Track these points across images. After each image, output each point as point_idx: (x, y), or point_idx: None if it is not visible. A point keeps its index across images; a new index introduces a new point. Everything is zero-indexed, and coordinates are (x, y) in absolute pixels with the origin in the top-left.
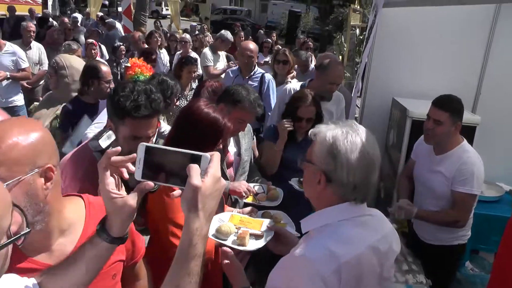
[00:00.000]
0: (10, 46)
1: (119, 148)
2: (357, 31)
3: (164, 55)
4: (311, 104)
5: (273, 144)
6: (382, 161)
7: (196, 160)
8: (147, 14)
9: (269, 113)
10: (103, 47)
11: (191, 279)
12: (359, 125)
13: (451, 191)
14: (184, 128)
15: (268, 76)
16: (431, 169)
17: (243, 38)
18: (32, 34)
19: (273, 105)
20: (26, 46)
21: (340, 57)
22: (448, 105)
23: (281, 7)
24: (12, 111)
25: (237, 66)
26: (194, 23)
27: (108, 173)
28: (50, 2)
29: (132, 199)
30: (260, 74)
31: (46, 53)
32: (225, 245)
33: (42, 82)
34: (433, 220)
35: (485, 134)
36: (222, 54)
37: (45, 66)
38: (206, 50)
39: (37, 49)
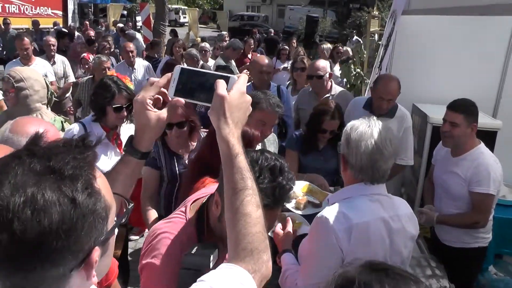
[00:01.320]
0: (40, 61)
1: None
2: (376, 36)
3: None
4: (335, 117)
5: (294, 153)
6: None
7: (225, 80)
8: (166, 24)
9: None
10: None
11: (242, 175)
12: (378, 121)
13: (469, 192)
14: (214, 145)
15: (284, 88)
16: (448, 170)
17: (253, 46)
18: (52, 47)
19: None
20: (49, 60)
21: (360, 64)
22: (462, 107)
23: (298, 12)
24: None
25: (250, 82)
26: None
27: (154, 88)
28: (70, 14)
29: (164, 113)
30: (275, 87)
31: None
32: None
33: (68, 94)
34: (453, 223)
35: (506, 138)
36: (234, 63)
37: (71, 79)
38: (218, 60)
39: (61, 63)
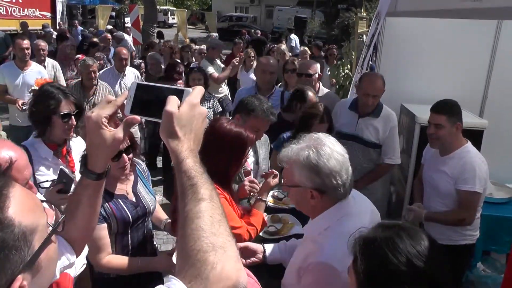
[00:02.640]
0: (35, 66)
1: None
2: (364, 37)
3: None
4: (324, 121)
5: None
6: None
7: (179, 94)
8: (156, 25)
9: None
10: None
11: (189, 174)
12: (319, 134)
13: (456, 190)
14: (210, 146)
15: (288, 94)
16: (436, 169)
17: (243, 46)
18: (42, 52)
19: None
20: (40, 65)
21: (349, 65)
22: (444, 108)
23: (287, 12)
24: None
25: (253, 84)
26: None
27: (110, 106)
28: (58, 16)
29: (119, 133)
30: (279, 92)
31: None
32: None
33: None
34: (441, 220)
35: (492, 137)
36: (218, 61)
37: (61, 83)
38: (203, 62)
39: (52, 67)
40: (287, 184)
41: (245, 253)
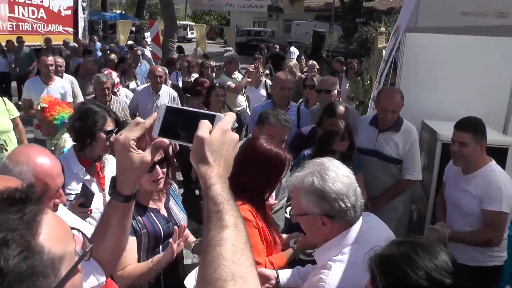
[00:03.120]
0: (59, 81)
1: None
2: (383, 52)
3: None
4: (345, 138)
5: None
6: None
7: (211, 119)
8: (175, 40)
9: None
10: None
11: (215, 200)
12: (322, 159)
13: (481, 210)
14: (247, 165)
15: (303, 108)
16: (460, 188)
17: (262, 61)
18: (59, 68)
19: None
20: None
21: (369, 81)
22: (469, 126)
23: (305, 27)
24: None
25: (269, 100)
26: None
27: (138, 129)
28: (80, 31)
29: (147, 156)
30: (295, 107)
31: (81, 84)
32: None
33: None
34: (466, 241)
35: None
36: (238, 75)
37: (79, 99)
38: (222, 77)
39: (70, 82)
40: (296, 213)
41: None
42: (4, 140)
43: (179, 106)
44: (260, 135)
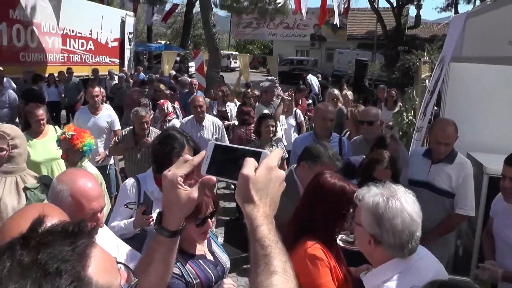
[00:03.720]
0: (106, 110)
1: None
2: (427, 82)
3: (230, 108)
4: (387, 167)
5: None
6: None
7: (257, 155)
8: (219, 70)
9: None
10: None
11: (263, 243)
12: (399, 186)
13: None
14: (313, 201)
15: (345, 139)
16: (510, 224)
17: (307, 93)
18: (97, 98)
19: None
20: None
21: (412, 111)
22: None
23: (347, 55)
24: (102, 168)
25: (310, 132)
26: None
27: (187, 166)
28: (126, 62)
29: (195, 192)
30: (337, 138)
31: (126, 114)
32: None
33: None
34: None
35: None
36: (275, 104)
37: (116, 127)
38: (258, 107)
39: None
40: (355, 220)
41: None
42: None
43: (227, 142)
44: (325, 171)
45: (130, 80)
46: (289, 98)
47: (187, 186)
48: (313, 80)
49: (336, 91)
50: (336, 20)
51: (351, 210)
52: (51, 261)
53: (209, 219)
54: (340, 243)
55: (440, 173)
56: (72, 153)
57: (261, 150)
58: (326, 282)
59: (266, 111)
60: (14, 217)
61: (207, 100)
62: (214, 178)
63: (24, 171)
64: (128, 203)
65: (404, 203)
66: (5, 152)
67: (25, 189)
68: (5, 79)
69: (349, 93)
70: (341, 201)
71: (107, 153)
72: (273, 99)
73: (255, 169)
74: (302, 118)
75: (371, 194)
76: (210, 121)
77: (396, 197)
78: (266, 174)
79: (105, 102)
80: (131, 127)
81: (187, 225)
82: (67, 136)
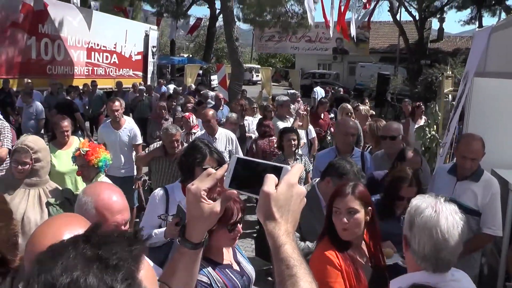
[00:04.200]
0: (128, 123)
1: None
2: (450, 97)
3: (248, 122)
4: (412, 184)
5: None
6: None
7: (278, 171)
8: (242, 83)
9: None
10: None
11: (287, 263)
12: (447, 202)
13: None
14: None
15: (367, 154)
16: None
17: (328, 105)
18: (117, 113)
19: None
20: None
21: (435, 126)
22: None
23: (369, 69)
24: (124, 180)
25: (332, 147)
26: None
27: (209, 180)
28: (149, 75)
29: (217, 206)
30: (359, 153)
31: (151, 127)
32: None
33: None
34: None
35: None
36: (290, 119)
37: (138, 141)
38: (274, 120)
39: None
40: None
41: None
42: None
43: (241, 154)
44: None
45: (155, 94)
46: (305, 112)
47: (210, 199)
48: (319, 92)
49: (349, 106)
50: (353, 33)
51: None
52: (111, 257)
53: (238, 224)
54: (401, 263)
55: (465, 191)
56: (87, 169)
57: (282, 165)
58: (332, 282)
59: (280, 123)
60: (44, 227)
61: (234, 115)
62: (235, 191)
63: (46, 183)
64: (161, 215)
65: (441, 219)
66: (28, 165)
67: (48, 204)
68: (34, 91)
69: (364, 108)
70: None
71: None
72: (290, 113)
73: (276, 186)
74: (314, 135)
75: (422, 199)
76: (224, 133)
77: (437, 210)
78: (287, 191)
79: (128, 115)
80: (161, 141)
81: (217, 231)
82: (82, 152)
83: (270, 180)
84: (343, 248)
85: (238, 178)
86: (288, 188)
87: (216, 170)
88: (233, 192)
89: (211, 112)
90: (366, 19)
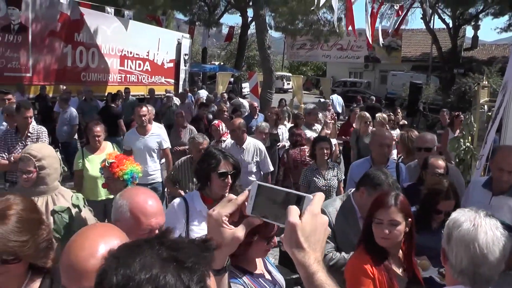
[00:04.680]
0: (156, 129)
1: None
2: (486, 107)
3: (282, 131)
4: (450, 197)
5: None
6: None
7: (300, 200)
8: (273, 91)
9: None
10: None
11: None
12: (487, 217)
13: None
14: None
15: (402, 165)
16: None
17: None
18: (144, 118)
19: None
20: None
21: (470, 137)
22: None
23: (401, 78)
24: (152, 187)
25: (366, 157)
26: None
27: (231, 205)
28: (181, 82)
29: (240, 232)
30: (394, 163)
31: (173, 134)
32: None
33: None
34: None
35: None
36: (318, 127)
37: (166, 145)
38: (302, 128)
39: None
40: None
41: None
42: None
43: (268, 165)
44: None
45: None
46: (332, 121)
47: (232, 225)
48: (335, 99)
49: (368, 114)
50: (381, 40)
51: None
52: (187, 260)
53: (275, 236)
54: (437, 279)
55: (502, 206)
56: (113, 182)
57: (304, 194)
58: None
59: (308, 132)
60: (80, 239)
61: (264, 124)
62: (257, 219)
63: (56, 190)
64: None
65: (480, 233)
66: (32, 174)
67: (53, 212)
68: (71, 97)
69: (381, 116)
70: None
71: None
72: (318, 120)
73: (300, 216)
74: (335, 142)
75: (461, 212)
76: (252, 143)
77: (476, 225)
78: (311, 221)
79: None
80: (189, 156)
81: (257, 243)
82: (107, 164)
83: (293, 211)
84: (379, 257)
85: (260, 204)
86: (312, 218)
87: (231, 173)
88: (255, 219)
89: (239, 121)
90: (396, 27)
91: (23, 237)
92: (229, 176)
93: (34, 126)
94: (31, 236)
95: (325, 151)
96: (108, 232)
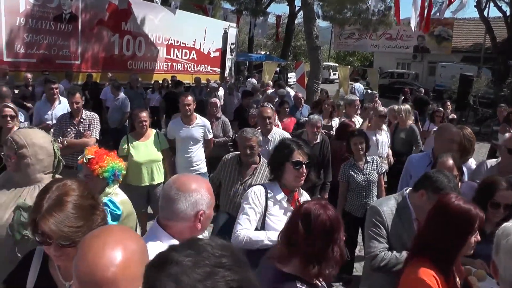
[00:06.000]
0: (200, 119)
1: None
2: None
3: (336, 123)
4: (509, 188)
5: None
6: None
7: None
8: (320, 82)
9: None
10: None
11: None
12: None
13: None
14: (436, 224)
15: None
16: None
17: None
18: (188, 108)
19: None
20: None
21: None
22: None
23: (451, 69)
24: None
25: (427, 152)
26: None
27: None
28: (227, 71)
29: None
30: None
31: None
32: None
33: None
34: None
35: None
36: (358, 118)
37: (208, 136)
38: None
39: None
40: None
41: None
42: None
43: None
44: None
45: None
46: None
47: None
48: (356, 87)
49: (397, 107)
50: (413, 25)
51: (475, 235)
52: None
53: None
54: None
55: None
56: (91, 180)
57: None
58: None
59: None
60: (94, 244)
61: (317, 117)
62: None
63: (38, 183)
64: None
65: None
66: (10, 159)
67: (16, 207)
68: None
69: (404, 108)
70: (463, 224)
71: None
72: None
73: None
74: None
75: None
76: (278, 134)
77: None
78: None
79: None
80: (237, 153)
81: None
82: (85, 160)
83: None
84: (447, 269)
85: None
86: None
87: (306, 164)
88: None
89: (269, 110)
90: (444, 14)
91: (78, 223)
92: (304, 166)
93: (87, 112)
94: (85, 222)
95: (359, 146)
96: (126, 237)
